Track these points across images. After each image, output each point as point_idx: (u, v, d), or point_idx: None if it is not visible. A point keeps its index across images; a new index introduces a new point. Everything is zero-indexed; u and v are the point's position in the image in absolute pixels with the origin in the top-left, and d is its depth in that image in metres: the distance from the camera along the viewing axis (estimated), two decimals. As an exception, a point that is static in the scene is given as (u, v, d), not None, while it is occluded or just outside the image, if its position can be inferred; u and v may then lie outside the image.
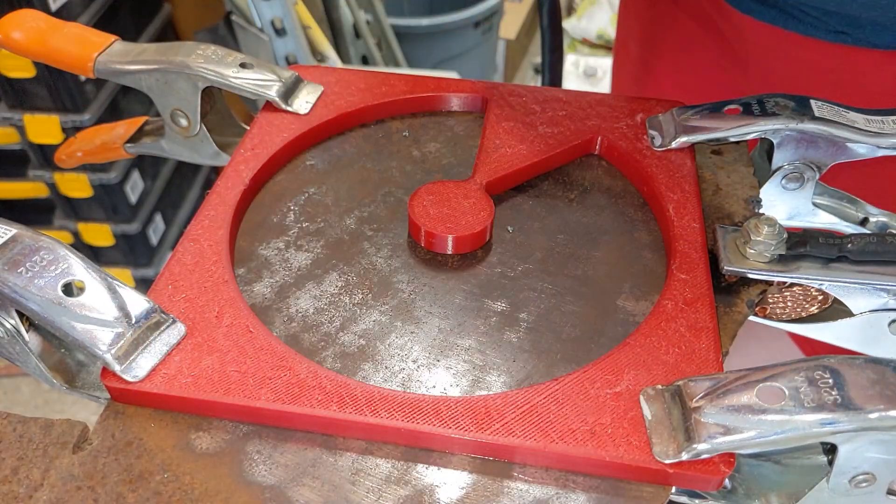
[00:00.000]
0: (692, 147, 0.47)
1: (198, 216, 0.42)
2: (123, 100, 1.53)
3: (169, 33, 1.70)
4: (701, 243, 0.41)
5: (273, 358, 0.34)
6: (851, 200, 0.47)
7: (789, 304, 0.42)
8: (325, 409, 0.32)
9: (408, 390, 0.34)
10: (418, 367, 0.36)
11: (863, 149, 0.42)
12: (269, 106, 0.50)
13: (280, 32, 1.51)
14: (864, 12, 0.50)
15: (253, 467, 0.31)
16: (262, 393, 0.33)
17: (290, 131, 0.48)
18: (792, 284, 0.41)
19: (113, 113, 1.49)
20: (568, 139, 0.48)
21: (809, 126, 0.42)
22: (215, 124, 0.53)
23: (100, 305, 0.33)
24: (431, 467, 0.32)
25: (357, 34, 1.71)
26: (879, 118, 0.42)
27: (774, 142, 0.43)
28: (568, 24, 2.37)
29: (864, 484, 0.31)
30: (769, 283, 0.40)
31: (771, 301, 0.42)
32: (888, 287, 0.38)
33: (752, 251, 0.39)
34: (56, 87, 1.38)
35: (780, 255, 0.38)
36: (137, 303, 0.34)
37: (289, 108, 0.49)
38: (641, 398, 0.33)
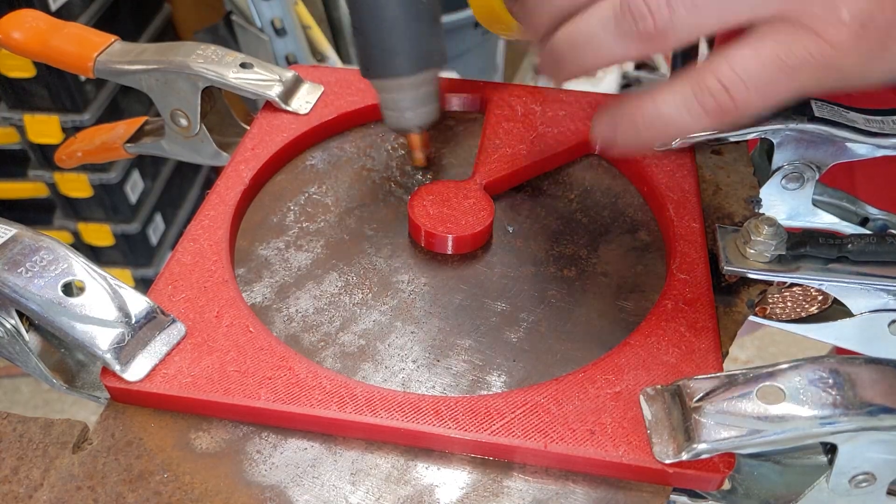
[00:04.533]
0: (692, 147, 0.47)
1: (198, 216, 0.42)
2: (123, 100, 1.53)
3: (169, 33, 1.70)
4: (701, 243, 0.41)
5: (273, 358, 0.34)
6: (851, 200, 0.47)
7: (789, 304, 0.42)
8: (324, 409, 0.32)
9: (408, 390, 0.34)
10: (418, 367, 0.36)
11: (863, 149, 0.42)
12: (269, 106, 0.50)
13: (280, 32, 1.51)
14: None
15: (253, 467, 0.31)
16: (262, 393, 0.33)
17: (290, 131, 0.48)
18: (792, 284, 0.41)
19: (113, 113, 1.49)
20: (568, 139, 0.48)
21: (809, 126, 0.42)
22: (215, 124, 0.53)
23: (100, 305, 0.33)
24: (431, 467, 0.32)
25: (357, 34, 1.71)
26: (879, 118, 0.42)
27: (774, 142, 0.43)
28: (568, 24, 2.36)
29: (863, 484, 0.31)
30: (769, 284, 0.40)
31: (771, 301, 0.42)
32: (888, 287, 0.38)
33: (752, 251, 0.39)
34: (56, 87, 1.38)
35: (779, 255, 0.38)
36: (137, 303, 0.34)
37: (289, 108, 0.49)
38: (641, 398, 0.33)
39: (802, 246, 0.38)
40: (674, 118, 0.30)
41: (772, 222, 0.38)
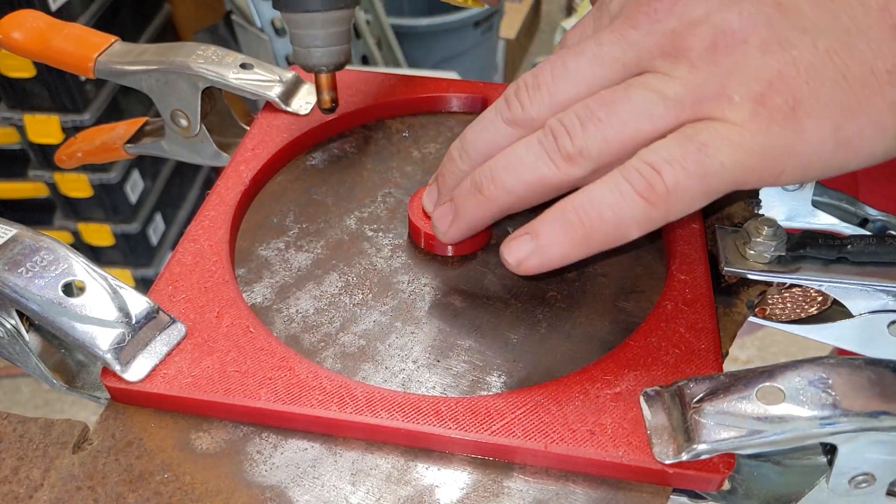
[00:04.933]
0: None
1: (198, 216, 0.42)
2: (123, 100, 1.54)
3: (169, 33, 1.70)
4: (701, 244, 0.41)
5: (273, 358, 0.34)
6: (851, 201, 0.47)
7: (788, 305, 0.42)
8: (325, 410, 0.32)
9: (408, 391, 0.34)
10: (418, 367, 0.36)
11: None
12: (270, 106, 0.50)
13: (280, 32, 1.51)
14: None
15: (253, 467, 0.31)
16: (262, 393, 0.33)
17: (290, 131, 0.48)
18: (791, 285, 0.41)
19: (113, 113, 1.49)
20: (568, 140, 0.48)
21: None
22: (215, 124, 0.53)
23: (100, 305, 0.33)
24: (431, 467, 0.32)
25: (357, 34, 1.71)
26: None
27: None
28: (568, 25, 2.37)
29: (863, 485, 0.31)
30: (769, 284, 0.40)
31: (770, 302, 0.42)
32: (887, 288, 0.38)
33: (751, 252, 0.39)
34: (56, 87, 1.38)
35: (779, 256, 0.38)
36: (137, 303, 0.34)
37: (289, 109, 0.49)
38: (641, 399, 0.33)
39: (802, 247, 0.38)
40: (606, 200, 0.31)
41: (771, 223, 0.38)
